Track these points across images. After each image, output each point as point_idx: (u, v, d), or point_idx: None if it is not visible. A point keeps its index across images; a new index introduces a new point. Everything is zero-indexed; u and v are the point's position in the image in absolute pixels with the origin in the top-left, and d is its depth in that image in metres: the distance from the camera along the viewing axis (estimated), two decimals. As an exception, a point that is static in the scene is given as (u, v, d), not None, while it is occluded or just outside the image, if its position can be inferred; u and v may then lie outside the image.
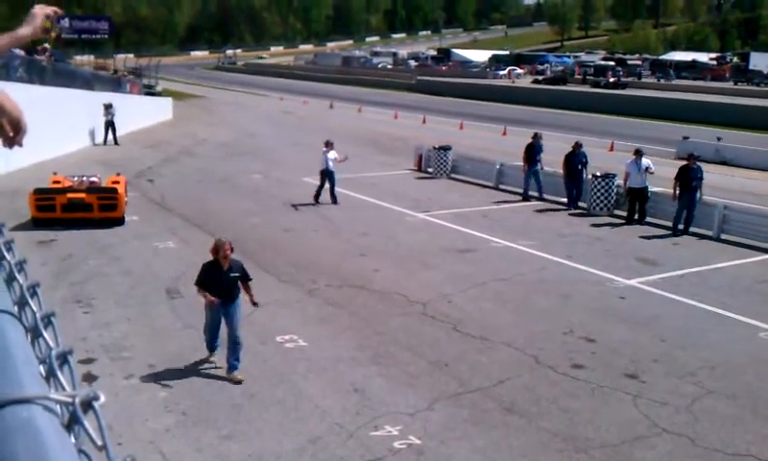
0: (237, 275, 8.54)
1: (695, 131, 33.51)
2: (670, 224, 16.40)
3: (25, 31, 2.47)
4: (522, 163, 19.62)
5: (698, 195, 15.96)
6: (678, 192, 15.97)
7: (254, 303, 8.75)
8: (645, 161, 16.90)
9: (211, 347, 8.79)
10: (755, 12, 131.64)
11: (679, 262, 13.91)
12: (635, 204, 17.01)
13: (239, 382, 8.25)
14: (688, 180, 15.91)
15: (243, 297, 8.66)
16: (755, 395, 8.45)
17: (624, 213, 17.27)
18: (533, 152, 19.31)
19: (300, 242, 14.73)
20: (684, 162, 16.40)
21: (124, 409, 7.47)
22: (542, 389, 8.42)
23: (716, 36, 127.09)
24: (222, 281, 8.41)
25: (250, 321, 9.32)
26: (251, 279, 8.76)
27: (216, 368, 8.64)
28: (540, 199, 19.20)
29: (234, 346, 8.44)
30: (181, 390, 8.12)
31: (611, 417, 7.80)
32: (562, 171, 18.58)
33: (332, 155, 17.90)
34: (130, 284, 11.79)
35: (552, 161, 19.58)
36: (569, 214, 17.94)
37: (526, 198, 19.42)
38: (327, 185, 18.00)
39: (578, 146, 18.45)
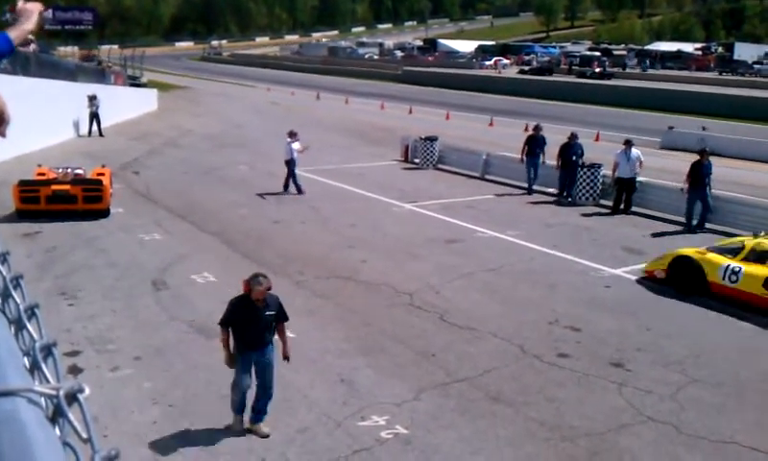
0: (273, 313, 7.07)
1: (680, 121, 33.67)
2: (656, 214, 16.49)
3: (29, 25, 2.52)
4: (520, 155, 19.30)
5: (708, 190, 15.57)
6: (688, 188, 15.57)
7: (286, 357, 7.34)
8: (635, 152, 16.93)
9: (240, 408, 7.15)
10: (739, 2, 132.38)
11: (664, 251, 13.95)
12: (622, 194, 17.05)
13: (266, 436, 7.04)
14: (701, 176, 15.52)
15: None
16: (739, 383, 8.53)
17: (610, 203, 17.34)
18: (533, 144, 19.19)
19: (288, 233, 14.70)
20: (697, 158, 15.83)
21: (110, 402, 7.43)
22: (529, 378, 8.46)
23: (701, 27, 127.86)
24: (255, 322, 6.97)
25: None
26: (287, 320, 7.28)
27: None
28: (529, 190, 19.18)
29: (265, 392, 7.16)
30: (168, 382, 8.08)
31: (596, 405, 7.85)
32: (556, 162, 18.48)
33: (296, 145, 18.02)
34: (115, 276, 11.73)
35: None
36: (556, 204, 18.00)
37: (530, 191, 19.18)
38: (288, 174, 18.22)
39: (573, 137, 18.33)
